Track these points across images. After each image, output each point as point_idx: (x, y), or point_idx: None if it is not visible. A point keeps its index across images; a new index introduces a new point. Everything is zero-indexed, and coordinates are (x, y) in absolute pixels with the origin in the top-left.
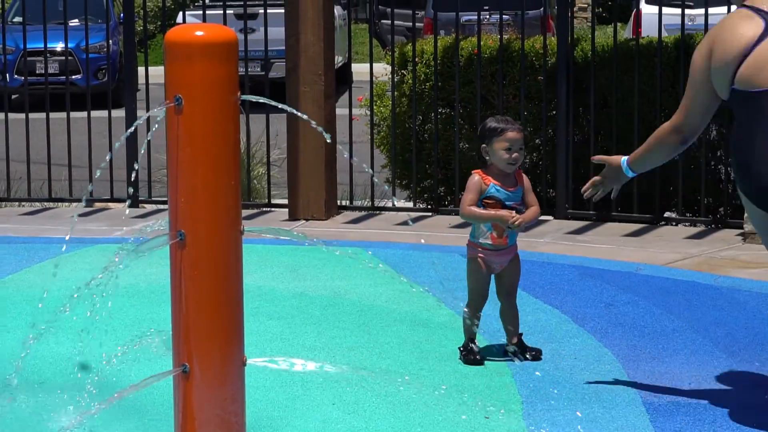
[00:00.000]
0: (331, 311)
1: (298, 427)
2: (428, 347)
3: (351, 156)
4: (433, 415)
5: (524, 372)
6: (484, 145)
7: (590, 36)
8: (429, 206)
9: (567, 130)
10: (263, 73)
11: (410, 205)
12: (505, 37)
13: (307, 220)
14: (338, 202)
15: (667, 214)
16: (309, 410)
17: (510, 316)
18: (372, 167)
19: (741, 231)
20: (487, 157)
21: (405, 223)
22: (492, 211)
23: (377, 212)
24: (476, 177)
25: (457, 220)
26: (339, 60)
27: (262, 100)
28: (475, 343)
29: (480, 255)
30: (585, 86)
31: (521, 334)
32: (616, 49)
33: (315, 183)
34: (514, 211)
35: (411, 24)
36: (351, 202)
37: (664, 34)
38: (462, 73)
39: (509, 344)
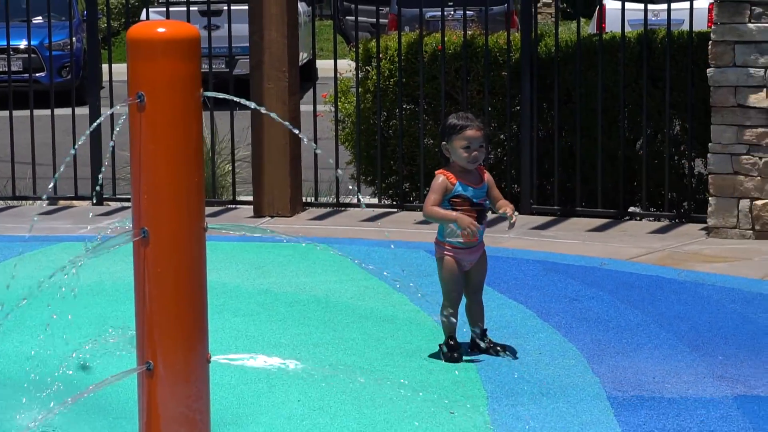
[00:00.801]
0: (296, 308)
1: (264, 424)
2: (393, 343)
3: (316, 152)
4: (399, 411)
5: (489, 367)
6: (444, 143)
7: (554, 31)
8: (394, 202)
9: (531, 126)
10: (228, 69)
11: (375, 201)
12: (469, 33)
13: (272, 216)
14: (303, 198)
15: (631, 209)
16: (274, 407)
17: (476, 312)
18: (336, 164)
19: (705, 225)
20: (448, 155)
21: (370, 219)
22: (453, 213)
23: (342, 209)
24: (441, 177)
25: (419, 216)
26: (303, 56)
27: (225, 96)
28: (455, 341)
29: (449, 254)
30: (549, 82)
31: (486, 330)
32: (579, 45)
33: (280, 180)
34: (474, 220)
35: (375, 20)
36: (316, 199)
37: (628, 29)
38: (426, 69)
39: (476, 338)
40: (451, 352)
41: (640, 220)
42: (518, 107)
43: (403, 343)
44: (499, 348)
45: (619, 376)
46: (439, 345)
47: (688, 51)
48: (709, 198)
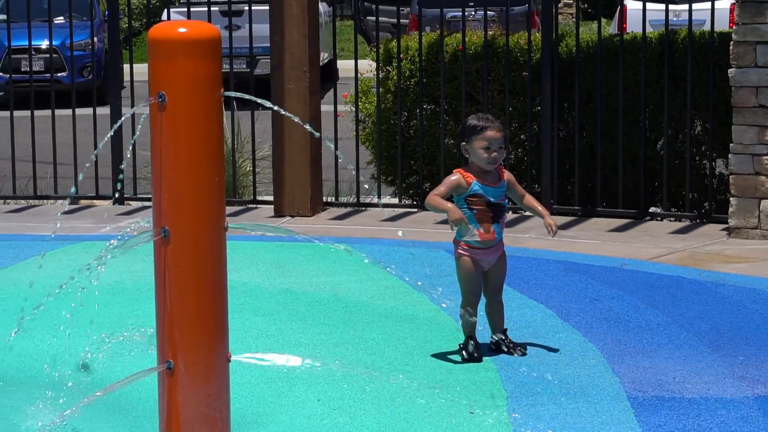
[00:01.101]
0: (317, 307)
1: (284, 424)
2: (413, 343)
3: (336, 152)
4: (419, 410)
5: (509, 367)
6: (464, 143)
7: (575, 32)
8: (414, 202)
9: (552, 126)
10: (249, 70)
11: (396, 201)
12: (490, 33)
13: (292, 216)
14: (324, 198)
15: (652, 209)
16: (294, 406)
17: (496, 312)
18: (357, 164)
19: (726, 226)
20: (467, 155)
21: (391, 219)
22: (448, 204)
23: (363, 209)
24: (456, 176)
25: (443, 216)
26: (324, 57)
27: (245, 96)
28: (475, 340)
29: (466, 253)
30: (569, 82)
31: (506, 330)
32: (600, 45)
33: (300, 179)
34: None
35: (396, 20)
36: (336, 199)
37: (649, 29)
38: (447, 70)
39: (497, 341)
40: (471, 352)
41: (661, 220)
42: (539, 107)
43: (423, 342)
44: (519, 348)
45: (639, 376)
46: (459, 345)
47: (710, 51)
48: (730, 198)
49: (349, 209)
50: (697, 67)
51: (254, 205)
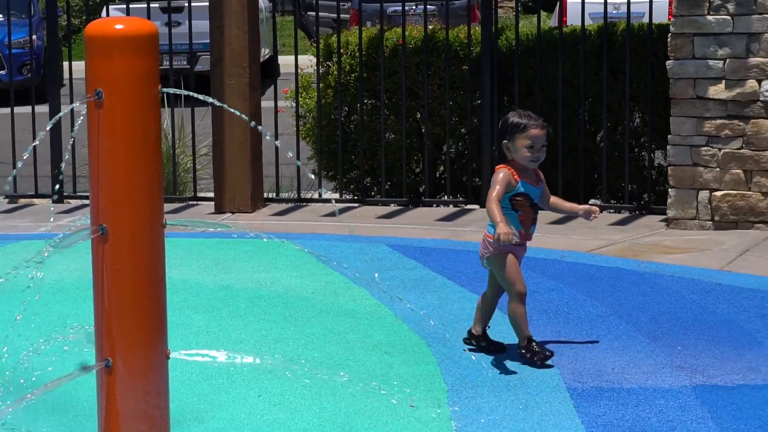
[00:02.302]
0: (257, 304)
1: (224, 420)
2: (354, 337)
3: (277, 148)
4: (359, 405)
5: (450, 360)
6: (505, 141)
7: (514, 25)
8: (355, 197)
9: (492, 119)
10: (189, 66)
11: (336, 196)
12: (430, 27)
13: (233, 213)
14: (265, 194)
15: (591, 202)
16: (235, 403)
17: (490, 308)
18: (298, 159)
19: (664, 217)
20: (509, 153)
21: (332, 214)
22: (502, 218)
23: (304, 204)
24: (504, 171)
25: (383, 210)
26: (265, 52)
27: (184, 93)
28: (535, 340)
29: (506, 249)
30: (509, 75)
31: (488, 327)
32: (540, 38)
33: (240, 176)
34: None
35: (336, 15)
36: (277, 195)
37: (589, 22)
38: (387, 64)
39: (476, 334)
40: (542, 350)
41: (601, 212)
42: (479, 101)
43: (364, 337)
44: (499, 345)
45: (578, 367)
46: (522, 351)
47: (648, 43)
48: (669, 189)
49: (290, 205)
50: (636, 60)
51: (195, 202)
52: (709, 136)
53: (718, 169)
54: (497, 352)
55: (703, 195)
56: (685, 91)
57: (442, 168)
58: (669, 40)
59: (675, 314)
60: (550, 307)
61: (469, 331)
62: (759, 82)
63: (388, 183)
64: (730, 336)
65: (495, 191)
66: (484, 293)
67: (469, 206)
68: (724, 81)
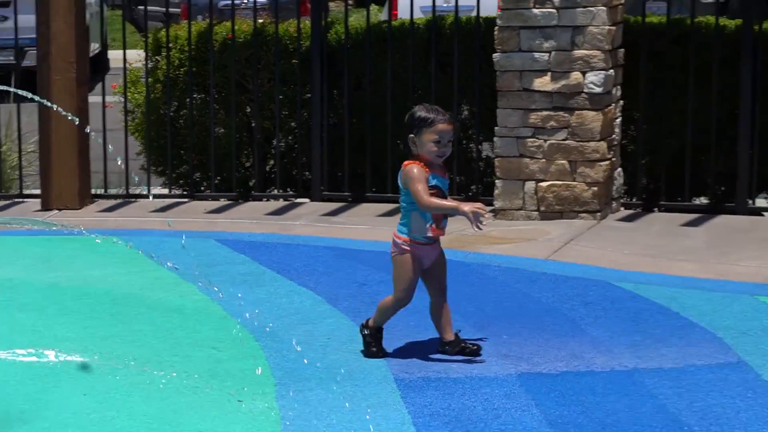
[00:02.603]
0: (85, 301)
1: (49, 420)
2: (182, 334)
3: (105, 143)
4: (187, 401)
5: (278, 354)
6: (412, 135)
7: (344, 19)
8: (185, 192)
9: (322, 113)
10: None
11: (166, 191)
12: (260, 21)
13: (60, 209)
14: (93, 191)
15: None
16: (60, 402)
17: (444, 312)
18: (126, 155)
19: (492, 207)
20: (415, 148)
21: (161, 210)
22: (454, 203)
23: (132, 200)
24: (417, 166)
25: (213, 204)
26: (94, 47)
27: (7, 89)
28: (381, 333)
29: (410, 249)
30: (339, 69)
31: (459, 331)
32: (369, 32)
33: (67, 172)
34: (477, 204)
35: (166, 9)
36: (106, 191)
37: (420, 15)
38: (216, 58)
39: (444, 341)
40: (372, 342)
41: None
42: (309, 95)
43: (192, 333)
44: (475, 347)
45: (406, 358)
46: (365, 332)
47: (476, 36)
48: (496, 181)
49: (118, 201)
50: (464, 53)
51: (21, 199)
52: (535, 127)
53: (543, 160)
54: (473, 354)
55: (530, 186)
56: (512, 83)
57: (272, 162)
58: (496, 33)
59: (501, 304)
60: (378, 299)
61: (441, 341)
62: (583, 74)
63: (218, 178)
64: (554, 324)
65: (422, 190)
66: (430, 302)
67: (299, 200)
68: (549, 73)
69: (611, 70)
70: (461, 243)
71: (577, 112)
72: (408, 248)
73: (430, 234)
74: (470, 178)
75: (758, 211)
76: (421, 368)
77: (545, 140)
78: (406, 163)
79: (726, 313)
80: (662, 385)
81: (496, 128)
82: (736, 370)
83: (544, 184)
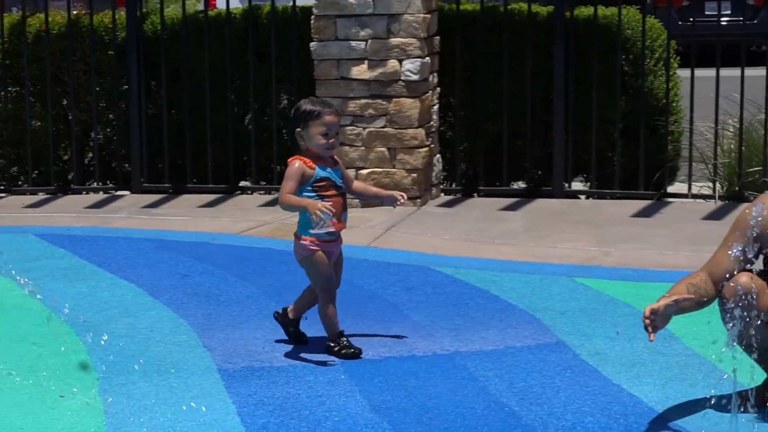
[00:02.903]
0: None
1: None
2: (2, 330)
3: None
4: (8, 398)
5: (100, 348)
6: (299, 129)
7: (160, 9)
8: (2, 187)
9: (139, 105)
10: None
11: None
12: (74, 12)
13: None
14: None
15: (242, 184)
16: None
17: (310, 299)
18: None
19: None
20: (302, 142)
21: None
22: (304, 199)
23: None
24: (297, 163)
25: (31, 199)
26: None
27: None
28: (345, 336)
29: (317, 248)
30: (156, 60)
31: (304, 317)
32: (185, 22)
33: None
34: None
35: None
36: None
37: (239, 5)
38: (31, 51)
39: (289, 318)
40: (348, 348)
41: (251, 194)
42: (126, 86)
43: (12, 328)
44: (301, 336)
45: (229, 348)
46: (331, 346)
47: (293, 25)
48: None
49: None
50: (282, 42)
51: None
52: (354, 115)
53: (363, 147)
54: (298, 342)
55: (350, 174)
56: (329, 72)
57: (90, 155)
58: (312, 22)
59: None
60: (201, 290)
61: (284, 309)
62: (400, 61)
63: (36, 171)
64: (377, 310)
65: (286, 188)
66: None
67: (119, 192)
68: (366, 61)
69: (427, 58)
70: (284, 232)
71: (395, 99)
72: (316, 247)
73: (332, 228)
74: None
75: (574, 195)
76: (244, 358)
77: (364, 128)
78: (290, 159)
79: (544, 294)
80: (483, 368)
81: None
82: (555, 350)
83: (364, 171)
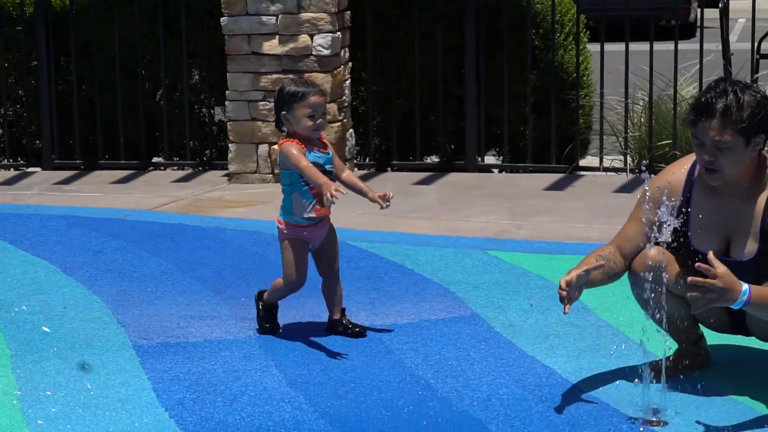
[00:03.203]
0: None
1: None
2: None
3: None
4: None
5: (13, 326)
6: (284, 112)
7: None
8: None
9: (49, 81)
10: None
11: None
12: None
13: None
14: None
15: (155, 160)
16: None
17: (335, 292)
18: None
19: (226, 172)
20: (288, 125)
21: None
22: (324, 177)
23: None
24: (292, 143)
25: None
26: None
27: None
28: (275, 310)
29: (294, 234)
30: (66, 36)
31: (344, 309)
32: None
33: None
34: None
35: None
36: None
37: None
38: None
39: (333, 319)
40: (269, 320)
41: (164, 169)
42: (35, 62)
43: None
44: (358, 329)
45: (144, 324)
46: (258, 302)
47: (203, 0)
48: (229, 145)
49: None
50: (192, 17)
51: None
52: (265, 90)
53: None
54: (356, 336)
55: (263, 149)
56: (241, 47)
57: (0, 131)
58: None
59: (238, 267)
60: (114, 267)
61: (329, 319)
62: (311, 36)
63: None
64: None
65: (302, 160)
66: (322, 281)
67: (30, 169)
68: (277, 36)
69: (338, 33)
70: (197, 207)
71: (306, 74)
72: (287, 232)
73: (312, 214)
74: (204, 142)
75: (487, 168)
76: (159, 334)
77: None
78: (281, 142)
79: (458, 268)
80: (399, 341)
81: (227, 92)
82: (470, 323)
83: (277, 146)
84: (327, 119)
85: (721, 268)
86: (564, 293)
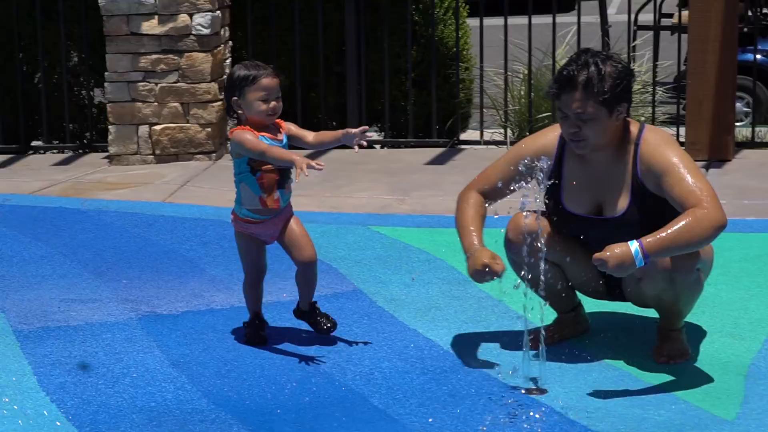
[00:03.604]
0: None
1: None
2: None
3: None
4: None
5: None
6: (235, 98)
7: None
8: None
9: None
10: None
11: None
12: None
13: None
14: None
15: (34, 143)
16: None
17: (302, 279)
18: None
19: (107, 154)
20: (241, 111)
21: None
22: (293, 153)
23: None
24: (244, 131)
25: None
26: None
27: None
28: (260, 319)
29: (242, 229)
30: None
31: (315, 302)
32: None
33: None
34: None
35: None
36: None
37: None
38: None
39: (301, 310)
40: (255, 331)
41: (44, 153)
42: None
43: None
44: (326, 328)
45: (24, 309)
46: (244, 323)
47: None
48: (110, 126)
49: None
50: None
51: None
52: (145, 71)
53: (156, 103)
54: (323, 332)
55: (143, 130)
56: (120, 27)
57: None
58: None
59: (119, 249)
60: None
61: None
62: (191, 16)
63: None
64: (173, 265)
65: (260, 144)
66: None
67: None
68: (157, 16)
69: (218, 12)
70: (77, 190)
71: (186, 54)
72: (239, 228)
73: (258, 206)
74: (84, 125)
75: (369, 144)
76: (40, 318)
77: (156, 83)
78: (232, 130)
79: (341, 244)
80: (282, 318)
81: (106, 74)
82: (352, 298)
83: (158, 127)
84: (209, 98)
85: (604, 254)
86: (499, 267)
